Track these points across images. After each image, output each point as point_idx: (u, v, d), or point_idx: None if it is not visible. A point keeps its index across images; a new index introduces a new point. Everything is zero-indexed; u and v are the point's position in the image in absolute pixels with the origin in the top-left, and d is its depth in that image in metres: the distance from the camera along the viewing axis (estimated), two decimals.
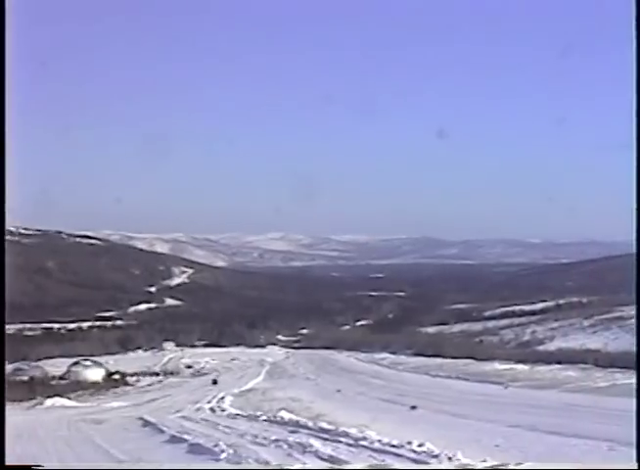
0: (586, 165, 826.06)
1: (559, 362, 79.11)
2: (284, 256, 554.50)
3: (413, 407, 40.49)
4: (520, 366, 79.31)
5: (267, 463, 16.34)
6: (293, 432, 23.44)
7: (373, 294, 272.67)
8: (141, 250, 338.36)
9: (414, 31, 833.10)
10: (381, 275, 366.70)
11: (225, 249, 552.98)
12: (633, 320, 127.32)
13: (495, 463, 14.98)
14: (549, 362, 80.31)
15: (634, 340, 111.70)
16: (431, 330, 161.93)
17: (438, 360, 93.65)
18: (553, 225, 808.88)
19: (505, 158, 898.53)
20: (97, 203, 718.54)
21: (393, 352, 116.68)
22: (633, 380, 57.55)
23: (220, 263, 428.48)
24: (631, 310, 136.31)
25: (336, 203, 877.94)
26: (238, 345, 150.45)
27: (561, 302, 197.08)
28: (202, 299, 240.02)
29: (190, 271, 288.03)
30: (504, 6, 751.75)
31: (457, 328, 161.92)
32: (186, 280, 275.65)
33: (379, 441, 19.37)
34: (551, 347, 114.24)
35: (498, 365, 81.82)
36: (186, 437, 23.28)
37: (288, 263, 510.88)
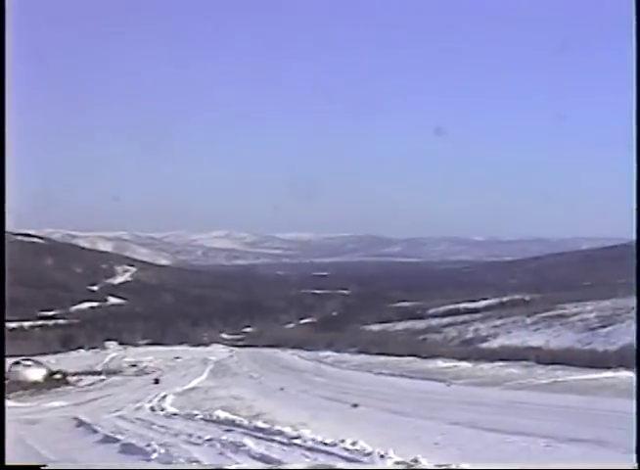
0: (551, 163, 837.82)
1: (501, 360, 79.59)
2: (228, 254, 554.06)
3: (355, 405, 40.27)
4: (463, 364, 79.69)
5: (198, 462, 16.04)
6: (227, 431, 23.21)
7: (317, 292, 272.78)
8: (83, 248, 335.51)
9: (413, 31, 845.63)
10: (325, 273, 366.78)
11: (169, 247, 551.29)
12: (575, 318, 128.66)
13: (439, 463, 14.87)
14: (492, 360, 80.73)
15: (576, 337, 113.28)
16: (374, 328, 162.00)
17: (382, 358, 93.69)
18: (498, 223, 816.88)
19: (460, 155, 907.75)
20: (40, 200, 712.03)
21: (337, 351, 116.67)
22: (574, 376, 58.14)
23: (164, 262, 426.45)
24: (573, 308, 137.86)
25: (279, 200, 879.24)
26: (181, 343, 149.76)
27: (504, 299, 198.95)
28: (145, 297, 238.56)
29: (133, 270, 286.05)
30: (503, 5, 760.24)
31: (401, 326, 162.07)
32: (129, 279, 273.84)
33: (312, 439, 19.18)
34: (494, 344, 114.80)
35: (441, 363, 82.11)
36: (119, 437, 22.92)
37: (232, 262, 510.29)
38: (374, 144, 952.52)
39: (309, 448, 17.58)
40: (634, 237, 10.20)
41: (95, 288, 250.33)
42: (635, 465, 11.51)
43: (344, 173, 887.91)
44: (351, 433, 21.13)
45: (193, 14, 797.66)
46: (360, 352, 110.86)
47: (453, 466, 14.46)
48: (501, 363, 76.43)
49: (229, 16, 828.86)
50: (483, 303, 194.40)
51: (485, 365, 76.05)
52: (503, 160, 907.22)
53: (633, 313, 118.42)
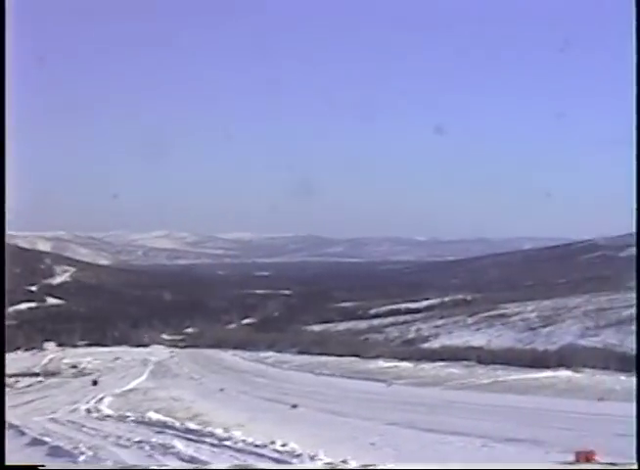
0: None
1: (442, 360, 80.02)
2: (169, 254, 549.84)
3: (294, 406, 40.12)
4: (404, 364, 80.00)
5: (126, 465, 15.64)
6: (159, 433, 22.85)
7: (259, 292, 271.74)
8: (21, 248, 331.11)
9: (414, 31, 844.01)
10: (267, 273, 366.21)
11: (109, 247, 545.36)
12: (516, 317, 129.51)
13: (365, 463, 14.61)
14: (433, 360, 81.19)
15: (517, 337, 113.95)
16: (316, 328, 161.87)
17: (323, 359, 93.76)
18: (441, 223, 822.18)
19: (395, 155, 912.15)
20: None
21: (279, 351, 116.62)
22: (514, 376, 58.45)
23: (104, 262, 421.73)
24: (515, 308, 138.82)
25: (220, 200, 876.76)
26: (121, 344, 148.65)
27: (446, 299, 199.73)
28: (84, 298, 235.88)
29: (72, 270, 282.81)
30: (504, 5, 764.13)
31: (342, 326, 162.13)
32: (68, 279, 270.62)
33: (243, 441, 18.90)
34: (435, 344, 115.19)
35: (382, 363, 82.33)
36: (47, 439, 22.47)
37: (173, 262, 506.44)
38: (325, 145, 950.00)
39: (239, 450, 17.27)
40: (634, 236, 10.20)
41: (33, 288, 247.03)
42: (635, 465, 11.54)
43: (287, 174, 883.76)
44: (288, 434, 20.92)
45: (193, 15, 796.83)
46: (301, 352, 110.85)
47: (380, 466, 14.24)
48: (442, 363, 76.85)
49: (229, 17, 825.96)
50: (425, 303, 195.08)
51: (426, 365, 76.43)
52: (463, 158, 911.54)
53: (574, 313, 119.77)
